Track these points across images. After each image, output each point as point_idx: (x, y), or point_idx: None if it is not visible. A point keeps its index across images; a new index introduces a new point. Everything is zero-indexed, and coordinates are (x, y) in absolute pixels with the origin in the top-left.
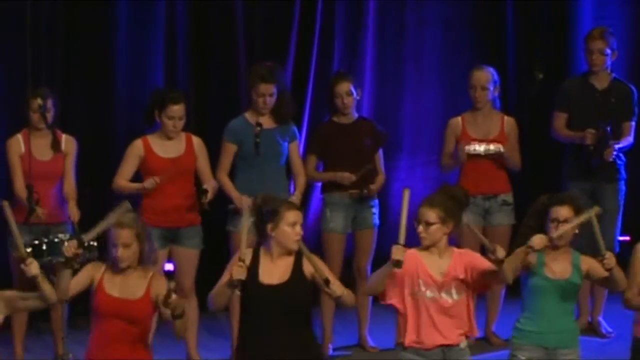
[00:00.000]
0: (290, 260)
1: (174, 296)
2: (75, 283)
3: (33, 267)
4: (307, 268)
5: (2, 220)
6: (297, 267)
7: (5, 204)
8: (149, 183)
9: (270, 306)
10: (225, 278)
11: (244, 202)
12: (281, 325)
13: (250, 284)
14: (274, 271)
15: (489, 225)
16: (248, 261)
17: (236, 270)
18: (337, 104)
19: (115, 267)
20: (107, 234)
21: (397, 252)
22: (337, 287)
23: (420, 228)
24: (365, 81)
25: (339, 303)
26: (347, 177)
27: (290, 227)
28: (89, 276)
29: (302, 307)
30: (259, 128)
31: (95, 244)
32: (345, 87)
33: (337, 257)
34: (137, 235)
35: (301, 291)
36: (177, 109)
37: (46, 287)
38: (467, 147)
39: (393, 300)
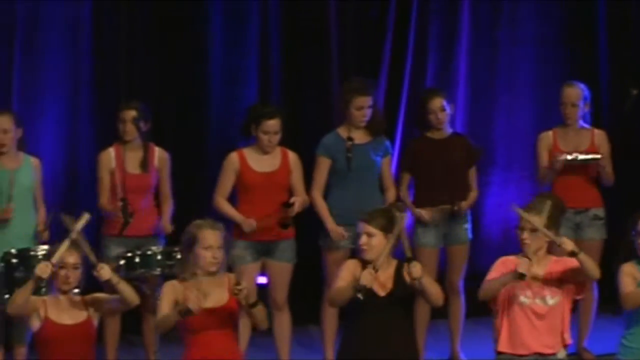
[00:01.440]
0: (391, 271)
1: (243, 284)
2: (167, 307)
3: (105, 272)
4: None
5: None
6: (399, 276)
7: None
8: (247, 226)
9: (376, 316)
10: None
11: (338, 234)
12: (386, 335)
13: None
14: (378, 281)
15: (580, 240)
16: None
17: (366, 277)
18: (431, 119)
19: (194, 276)
20: (192, 240)
21: (522, 265)
22: (418, 269)
23: (525, 235)
24: (458, 97)
25: (425, 294)
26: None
27: None
28: (174, 298)
29: (406, 316)
30: (350, 142)
31: (179, 255)
32: (438, 102)
33: (430, 273)
34: (224, 238)
35: (405, 300)
36: (273, 124)
37: (124, 288)
38: (565, 155)
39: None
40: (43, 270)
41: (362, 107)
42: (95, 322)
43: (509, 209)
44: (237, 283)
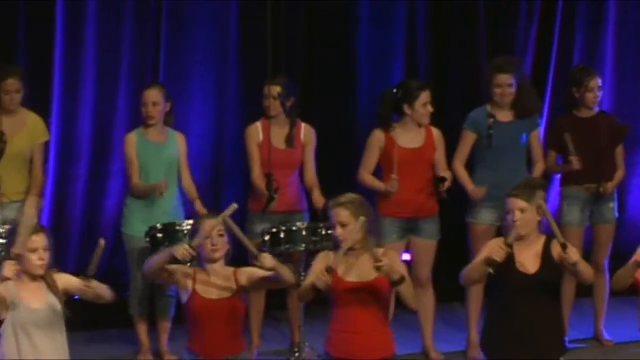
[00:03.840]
0: (539, 248)
1: (384, 260)
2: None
3: (268, 261)
4: (556, 250)
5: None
6: (547, 253)
7: (228, 212)
8: (391, 187)
9: (525, 294)
10: (482, 255)
11: (478, 193)
12: (533, 314)
13: (509, 273)
14: (527, 259)
15: None
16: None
17: (497, 252)
18: (587, 98)
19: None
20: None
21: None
22: (573, 253)
23: None
24: (605, 77)
25: (579, 275)
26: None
27: None
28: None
29: (554, 295)
30: (492, 120)
31: (328, 232)
32: (596, 82)
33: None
34: (354, 215)
35: (554, 278)
36: (427, 96)
37: (284, 271)
38: None
39: None
40: (182, 254)
41: (501, 85)
42: (244, 297)
43: None
44: (378, 260)
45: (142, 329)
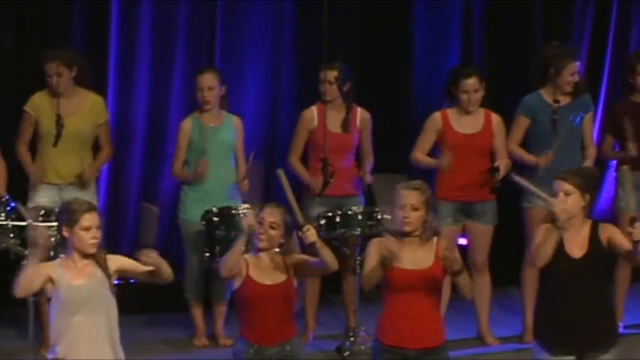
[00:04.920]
0: (586, 232)
1: (454, 251)
2: (374, 261)
3: (311, 234)
4: (604, 234)
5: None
6: (594, 237)
7: (281, 172)
8: (444, 160)
9: (574, 278)
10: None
11: (541, 161)
12: (582, 298)
13: (558, 256)
14: (574, 243)
15: None
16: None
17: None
18: (638, 83)
19: (397, 236)
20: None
21: None
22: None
23: None
24: None
25: (637, 257)
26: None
27: None
28: (380, 254)
29: (603, 278)
30: (556, 105)
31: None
32: None
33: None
34: (426, 201)
35: (602, 262)
36: (470, 83)
37: (326, 253)
38: None
39: None
40: (251, 220)
41: (574, 72)
42: (295, 283)
43: None
44: (448, 250)
45: (198, 313)
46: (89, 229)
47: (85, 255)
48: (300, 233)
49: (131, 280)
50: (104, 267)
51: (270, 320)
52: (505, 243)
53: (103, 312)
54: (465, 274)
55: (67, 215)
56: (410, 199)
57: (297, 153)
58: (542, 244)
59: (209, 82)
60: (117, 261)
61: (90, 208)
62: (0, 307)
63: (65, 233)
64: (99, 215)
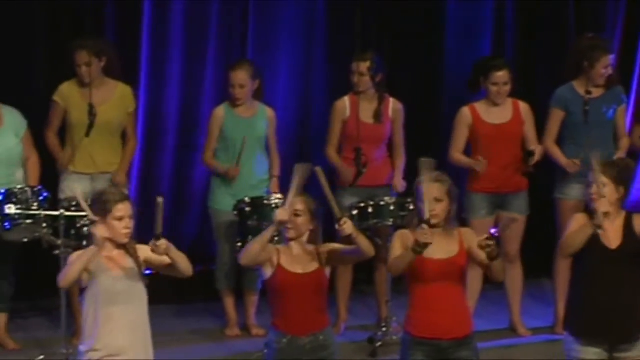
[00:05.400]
0: (619, 223)
1: (488, 239)
2: (400, 249)
3: (348, 227)
4: (638, 226)
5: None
6: (629, 229)
7: (319, 169)
8: (478, 166)
9: (609, 268)
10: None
11: (573, 166)
12: (616, 289)
13: (593, 247)
14: (609, 234)
15: None
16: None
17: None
18: None
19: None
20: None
21: None
22: None
23: None
24: None
25: None
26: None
27: None
28: (404, 245)
29: (637, 271)
30: (588, 96)
31: (412, 206)
32: None
33: None
34: (448, 192)
35: (636, 252)
36: (501, 75)
37: (362, 240)
38: None
39: None
40: (282, 214)
41: (608, 65)
42: (327, 272)
43: None
44: (489, 238)
45: (229, 303)
46: (121, 219)
47: (118, 246)
48: (337, 226)
49: (147, 271)
50: (135, 257)
51: (302, 310)
52: (537, 234)
53: (137, 302)
54: (500, 260)
55: (99, 205)
56: (433, 191)
57: (334, 144)
58: (573, 236)
59: (241, 80)
60: (145, 251)
61: (123, 198)
62: (33, 297)
63: (98, 223)
64: (132, 205)
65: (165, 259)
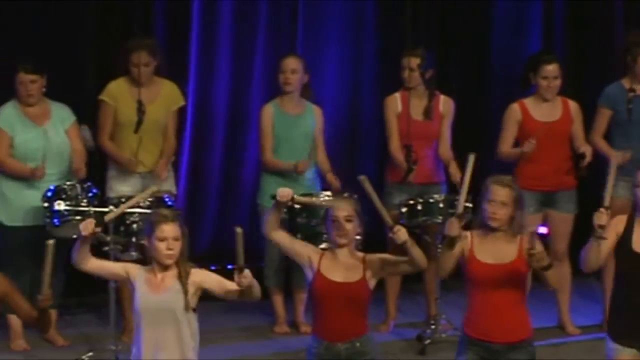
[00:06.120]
0: None
1: (537, 247)
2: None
3: (402, 234)
4: None
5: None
6: None
7: (364, 178)
8: (527, 147)
9: (638, 274)
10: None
11: (617, 157)
12: None
13: (623, 250)
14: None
15: None
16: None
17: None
18: None
19: (485, 230)
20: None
21: None
22: None
23: None
24: None
25: None
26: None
27: None
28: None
29: None
30: (632, 94)
31: (471, 205)
32: None
33: None
34: (515, 198)
35: None
36: (551, 69)
37: (416, 252)
38: None
39: None
40: (285, 194)
41: None
42: (372, 282)
43: None
44: (531, 247)
45: (278, 300)
46: (164, 240)
47: (165, 267)
48: (390, 234)
49: (212, 267)
50: (183, 281)
51: (338, 317)
52: (586, 232)
53: (171, 325)
54: (552, 270)
55: (147, 225)
56: (500, 195)
57: (395, 139)
58: (588, 255)
59: (293, 65)
60: (201, 276)
61: (168, 219)
62: (82, 294)
63: (145, 242)
64: (179, 225)
65: (235, 287)
